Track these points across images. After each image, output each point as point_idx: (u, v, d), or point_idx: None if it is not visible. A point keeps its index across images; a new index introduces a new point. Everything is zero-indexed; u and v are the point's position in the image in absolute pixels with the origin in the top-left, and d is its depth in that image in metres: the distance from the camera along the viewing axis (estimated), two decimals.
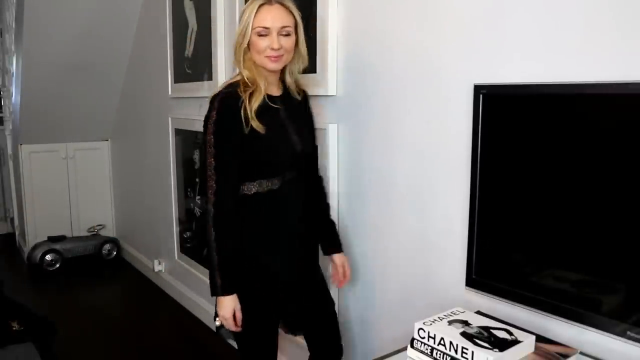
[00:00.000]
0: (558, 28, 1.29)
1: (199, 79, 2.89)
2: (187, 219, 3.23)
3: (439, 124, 1.62)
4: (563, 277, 1.31)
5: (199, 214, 3.06)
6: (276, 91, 1.62)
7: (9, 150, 4.71)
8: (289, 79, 1.63)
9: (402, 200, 1.77)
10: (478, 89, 1.45)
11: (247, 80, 1.54)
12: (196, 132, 2.99)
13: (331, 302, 1.80)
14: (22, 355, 1.95)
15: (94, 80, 3.93)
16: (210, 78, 2.77)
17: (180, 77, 3.13)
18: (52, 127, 4.12)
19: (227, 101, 1.51)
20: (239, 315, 1.55)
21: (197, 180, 3.05)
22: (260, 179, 1.55)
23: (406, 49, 1.71)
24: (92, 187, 4.46)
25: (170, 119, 3.27)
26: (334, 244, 1.75)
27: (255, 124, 1.49)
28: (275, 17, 1.49)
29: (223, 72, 2.66)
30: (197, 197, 3.06)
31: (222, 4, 2.62)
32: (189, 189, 3.16)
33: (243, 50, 1.53)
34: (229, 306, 1.54)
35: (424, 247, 1.71)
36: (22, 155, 4.19)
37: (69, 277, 3.93)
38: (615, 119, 1.20)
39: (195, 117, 2.97)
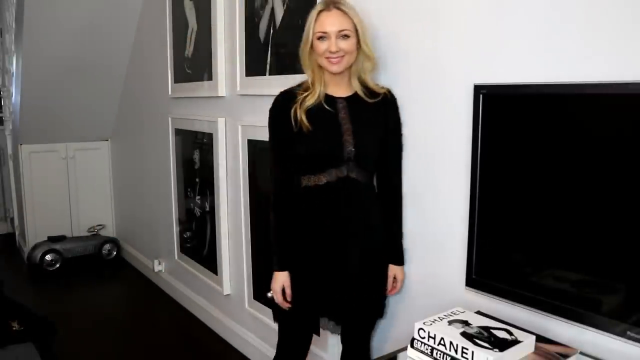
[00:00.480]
0: (558, 28, 1.29)
1: (199, 79, 2.89)
2: (187, 219, 3.23)
3: (439, 123, 1.62)
4: (563, 277, 1.31)
5: (199, 214, 3.06)
6: (343, 92, 1.68)
7: (9, 150, 4.71)
8: (354, 82, 1.68)
9: (402, 200, 1.77)
10: (478, 89, 1.45)
11: (308, 82, 1.67)
12: (196, 132, 2.99)
13: (375, 309, 1.77)
14: (22, 355, 1.95)
15: (94, 80, 3.93)
16: (210, 78, 2.77)
17: (180, 77, 3.13)
18: (52, 127, 4.12)
19: (281, 99, 1.68)
20: (288, 291, 1.68)
21: (197, 180, 3.06)
22: (309, 174, 1.66)
23: (406, 48, 1.71)
24: (92, 187, 4.46)
25: (170, 119, 3.27)
26: (390, 255, 1.76)
27: (302, 122, 1.61)
28: (333, 22, 1.58)
29: (223, 72, 2.66)
30: (197, 197, 3.06)
31: (222, 4, 2.62)
32: (189, 189, 3.16)
33: (307, 53, 1.63)
34: (279, 281, 1.68)
35: (424, 247, 1.71)
36: (22, 155, 4.19)
37: (69, 277, 3.93)
38: (615, 119, 1.20)
39: (195, 117, 2.97)
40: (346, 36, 1.59)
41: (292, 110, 1.63)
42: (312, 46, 1.62)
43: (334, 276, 1.66)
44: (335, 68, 1.61)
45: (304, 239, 1.68)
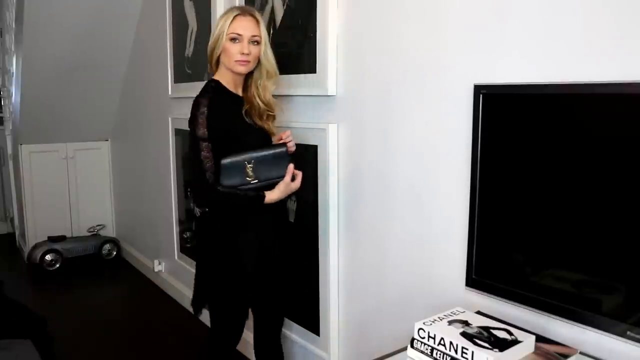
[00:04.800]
0: (558, 28, 1.29)
1: (199, 79, 2.89)
2: (187, 219, 3.23)
3: (439, 123, 1.62)
4: (563, 277, 1.31)
5: (199, 213, 3.06)
6: (241, 93, 1.87)
7: (9, 150, 4.71)
8: (253, 89, 1.85)
9: (402, 200, 1.77)
10: (478, 89, 1.45)
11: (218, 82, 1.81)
12: None
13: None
14: (22, 354, 1.95)
15: (94, 80, 3.93)
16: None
17: (180, 77, 3.12)
18: (52, 127, 4.13)
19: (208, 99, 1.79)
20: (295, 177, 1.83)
21: None
22: None
23: (406, 49, 1.71)
24: (92, 187, 4.46)
25: (170, 119, 3.27)
26: None
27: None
28: (247, 26, 1.76)
29: None
30: None
31: (222, 4, 2.61)
32: (188, 189, 3.16)
33: (216, 54, 1.79)
34: (275, 193, 1.78)
35: (424, 247, 1.71)
36: (22, 155, 4.19)
37: (69, 277, 3.93)
38: (615, 119, 1.20)
39: None
40: (256, 42, 1.77)
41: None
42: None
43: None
44: (243, 69, 1.78)
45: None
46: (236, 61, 1.75)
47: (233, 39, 1.74)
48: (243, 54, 1.74)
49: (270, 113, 1.87)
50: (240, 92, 1.85)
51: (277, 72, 1.86)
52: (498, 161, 1.43)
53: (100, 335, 2.99)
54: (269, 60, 1.82)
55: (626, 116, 1.17)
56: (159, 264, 3.65)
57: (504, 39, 1.42)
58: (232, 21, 1.74)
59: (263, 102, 1.83)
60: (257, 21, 1.77)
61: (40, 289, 3.82)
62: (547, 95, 1.30)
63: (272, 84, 1.85)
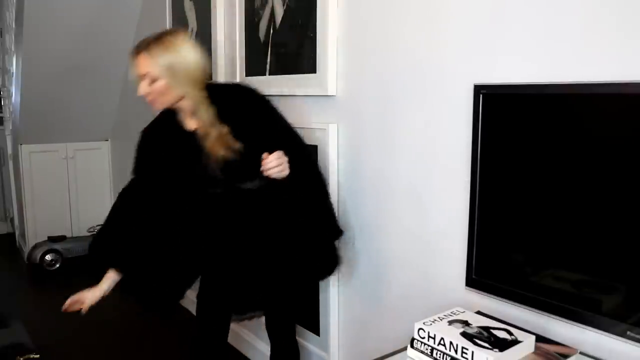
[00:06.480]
0: (558, 28, 1.29)
1: None
2: None
3: (439, 124, 1.62)
4: (563, 277, 1.31)
5: None
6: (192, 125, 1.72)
7: (9, 150, 4.71)
8: (194, 123, 1.69)
9: (402, 200, 1.77)
10: (478, 89, 1.45)
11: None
12: None
13: None
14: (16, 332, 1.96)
15: (94, 80, 3.92)
16: (209, 78, 2.76)
17: None
18: (52, 127, 4.12)
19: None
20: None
21: None
22: None
23: (406, 48, 1.71)
24: (92, 187, 4.45)
25: None
26: None
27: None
28: (136, 65, 1.62)
29: (223, 72, 2.66)
30: None
31: (222, 3, 2.62)
32: None
33: None
34: None
35: (424, 247, 1.71)
36: (22, 155, 4.19)
37: (69, 277, 3.93)
38: (615, 119, 1.20)
39: None
40: (153, 79, 1.60)
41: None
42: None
43: None
44: (156, 107, 1.68)
45: None
46: (148, 101, 1.65)
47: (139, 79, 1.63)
48: (143, 94, 1.62)
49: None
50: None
51: (202, 86, 1.66)
52: (498, 161, 1.43)
53: (100, 335, 2.98)
54: (183, 88, 1.62)
55: (626, 116, 1.17)
56: None
57: (504, 39, 1.42)
58: (133, 62, 1.63)
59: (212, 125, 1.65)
60: (149, 54, 1.59)
61: (40, 289, 3.81)
62: (547, 95, 1.30)
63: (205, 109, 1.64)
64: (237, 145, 1.64)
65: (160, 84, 1.61)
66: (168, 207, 1.74)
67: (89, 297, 1.79)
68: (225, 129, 1.64)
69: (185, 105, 1.67)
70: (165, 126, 1.75)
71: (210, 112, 1.65)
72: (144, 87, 1.62)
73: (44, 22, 3.43)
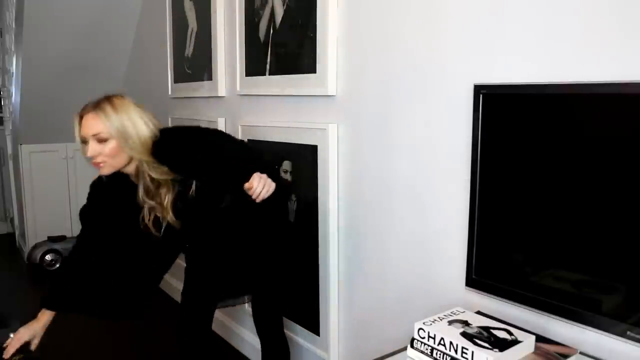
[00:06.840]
0: (558, 28, 1.29)
1: (199, 79, 2.89)
2: None
3: (439, 124, 1.62)
4: (563, 277, 1.31)
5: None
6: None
7: (9, 150, 4.71)
8: (144, 190, 1.67)
9: (402, 200, 1.77)
10: (478, 89, 1.45)
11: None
12: None
13: None
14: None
15: (94, 80, 3.91)
16: (210, 78, 2.76)
17: (180, 77, 3.12)
18: (52, 127, 4.12)
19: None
20: None
21: None
22: None
23: (406, 48, 1.71)
24: None
25: (170, 119, 3.26)
26: None
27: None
28: (86, 126, 1.58)
29: (223, 72, 2.66)
30: None
31: (222, 4, 2.62)
32: None
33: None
34: None
35: (424, 247, 1.71)
36: (22, 155, 4.19)
37: None
38: (615, 119, 1.20)
39: (195, 117, 2.97)
40: (103, 140, 1.57)
41: None
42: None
43: None
44: (103, 172, 1.63)
45: None
46: (94, 164, 1.60)
47: (84, 142, 1.60)
48: (93, 155, 1.57)
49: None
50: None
51: (150, 151, 1.61)
52: (498, 161, 1.43)
53: (99, 335, 2.98)
54: (134, 150, 1.59)
55: (626, 116, 1.17)
56: None
57: (504, 39, 1.42)
58: (79, 124, 1.61)
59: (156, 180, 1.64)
60: (102, 114, 1.58)
61: (40, 289, 3.77)
62: (547, 95, 1.30)
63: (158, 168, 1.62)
64: (169, 217, 1.67)
65: (111, 145, 1.58)
66: (114, 249, 1.85)
67: (28, 334, 1.81)
68: (161, 200, 1.65)
69: (131, 169, 1.67)
70: (114, 182, 1.72)
71: (148, 182, 1.65)
72: (94, 147, 1.57)
73: (44, 22, 3.43)
